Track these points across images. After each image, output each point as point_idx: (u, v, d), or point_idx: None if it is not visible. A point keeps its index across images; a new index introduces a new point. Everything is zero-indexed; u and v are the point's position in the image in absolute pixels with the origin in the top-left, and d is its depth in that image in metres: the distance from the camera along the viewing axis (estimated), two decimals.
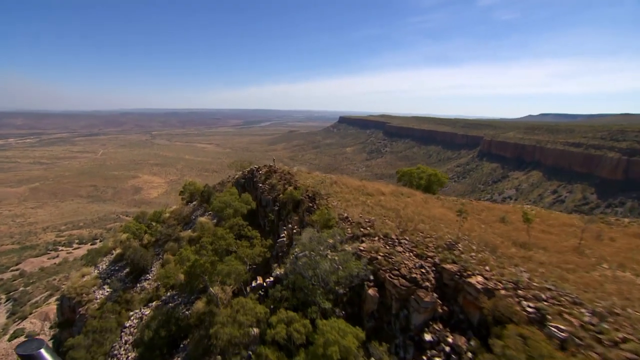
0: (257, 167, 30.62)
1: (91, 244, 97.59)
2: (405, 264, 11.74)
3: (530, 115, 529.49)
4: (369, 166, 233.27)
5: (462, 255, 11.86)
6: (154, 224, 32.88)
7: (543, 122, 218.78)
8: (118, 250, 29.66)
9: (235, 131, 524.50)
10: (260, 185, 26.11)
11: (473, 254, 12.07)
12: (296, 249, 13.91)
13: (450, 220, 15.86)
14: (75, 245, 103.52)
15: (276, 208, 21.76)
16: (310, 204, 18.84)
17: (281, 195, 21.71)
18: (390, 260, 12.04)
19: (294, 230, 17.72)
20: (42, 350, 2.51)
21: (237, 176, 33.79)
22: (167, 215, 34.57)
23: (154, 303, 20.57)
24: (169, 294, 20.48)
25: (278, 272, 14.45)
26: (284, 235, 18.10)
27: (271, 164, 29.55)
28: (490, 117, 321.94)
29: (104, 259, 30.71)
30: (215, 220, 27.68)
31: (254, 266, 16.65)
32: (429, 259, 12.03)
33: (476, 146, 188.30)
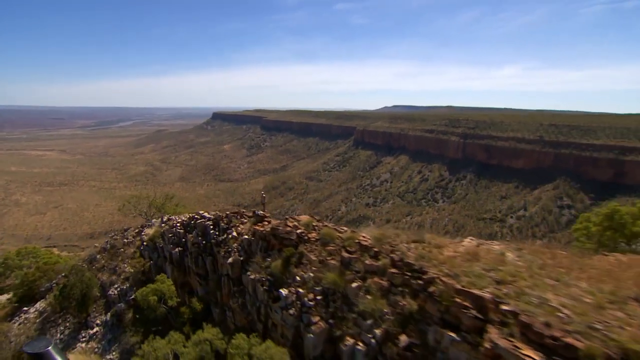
0: (225, 213, 16.80)
1: None
2: None
3: (385, 107, 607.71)
4: (251, 162, 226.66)
5: None
6: None
7: (401, 113, 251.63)
8: None
9: (87, 133, 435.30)
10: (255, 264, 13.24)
11: None
12: None
13: None
14: None
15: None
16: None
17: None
18: None
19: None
20: (50, 349, 2.60)
21: (149, 233, 20.73)
22: None
23: None
24: None
25: None
26: None
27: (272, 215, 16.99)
28: (354, 109, 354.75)
29: None
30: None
31: None
32: None
33: (350, 136, 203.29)
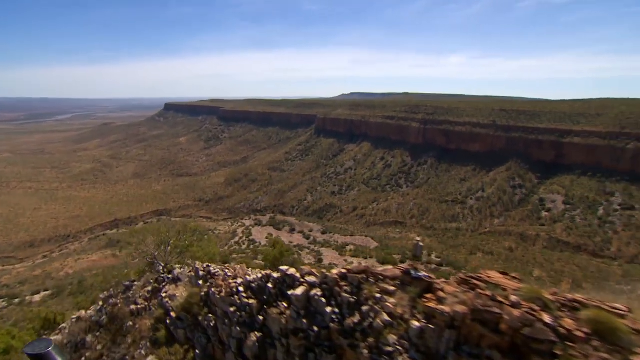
0: (343, 274, 8.61)
1: None
2: None
3: (343, 94, 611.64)
4: (210, 155, 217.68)
5: None
6: None
7: (360, 100, 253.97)
8: None
9: (15, 128, 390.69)
10: None
11: None
12: None
13: None
14: None
15: None
16: None
17: None
18: None
19: None
20: (51, 350, 2.57)
21: (178, 295, 12.82)
22: None
23: None
24: None
25: None
26: None
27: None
28: (314, 97, 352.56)
29: None
30: None
31: None
32: None
33: (311, 124, 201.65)
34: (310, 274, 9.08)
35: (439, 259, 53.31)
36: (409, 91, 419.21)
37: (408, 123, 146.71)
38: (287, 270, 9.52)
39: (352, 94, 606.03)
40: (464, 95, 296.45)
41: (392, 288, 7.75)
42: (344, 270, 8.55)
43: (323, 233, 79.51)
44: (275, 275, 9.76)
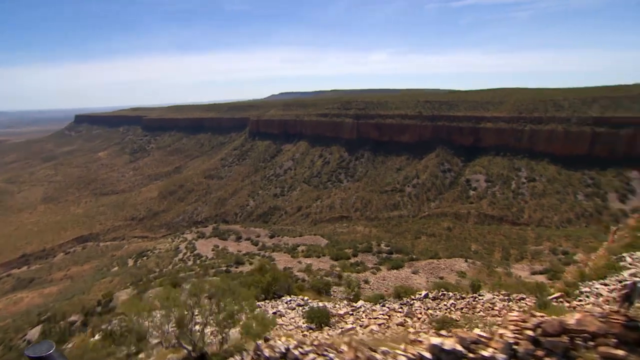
0: None
1: None
2: None
3: (273, 95, 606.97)
4: (137, 168, 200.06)
5: None
6: None
7: (292, 99, 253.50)
8: None
9: None
10: None
11: None
12: None
13: None
14: None
15: None
16: None
17: None
18: None
19: None
20: (53, 352, 2.52)
21: None
22: None
23: None
24: None
25: None
26: None
27: None
28: (244, 100, 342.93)
29: None
30: None
31: None
32: None
33: (244, 127, 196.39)
34: (480, 342, 5.22)
35: (388, 247, 55.45)
36: (338, 88, 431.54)
37: (342, 119, 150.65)
38: (441, 344, 5.26)
39: (282, 94, 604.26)
40: (390, 89, 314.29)
41: (621, 353, 4.72)
42: (530, 332, 5.10)
43: (271, 237, 77.75)
44: (427, 355, 5.34)
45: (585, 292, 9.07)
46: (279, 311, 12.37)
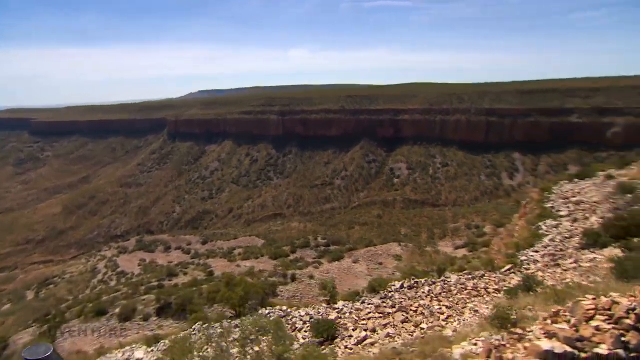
0: None
1: None
2: None
3: (191, 94, 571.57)
4: (28, 182, 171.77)
5: None
6: None
7: (211, 98, 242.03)
8: None
9: None
10: None
11: None
12: None
13: None
14: None
15: None
16: None
17: None
18: None
19: None
20: (51, 354, 2.57)
21: None
22: None
23: None
24: None
25: None
26: None
27: None
28: (158, 99, 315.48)
29: None
30: None
31: None
32: None
33: (162, 129, 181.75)
34: (583, 339, 4.51)
35: (325, 240, 57.01)
36: (259, 85, 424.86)
37: (267, 116, 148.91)
38: (552, 348, 4.39)
39: (200, 92, 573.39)
40: (312, 85, 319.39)
41: None
42: (628, 321, 4.55)
43: (204, 243, 73.61)
44: None
45: (525, 260, 10.98)
46: None
